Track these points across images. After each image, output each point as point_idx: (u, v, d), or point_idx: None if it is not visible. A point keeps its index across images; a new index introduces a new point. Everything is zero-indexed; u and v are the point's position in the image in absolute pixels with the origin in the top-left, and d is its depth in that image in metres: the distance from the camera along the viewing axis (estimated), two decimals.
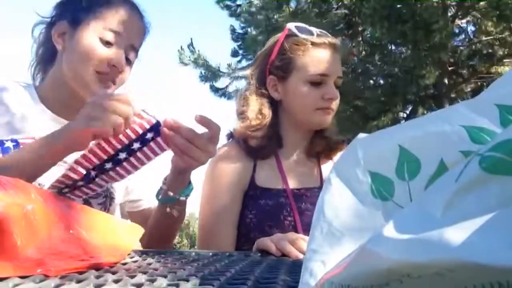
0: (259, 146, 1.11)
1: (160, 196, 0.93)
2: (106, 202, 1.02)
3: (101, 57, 0.94)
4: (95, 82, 0.95)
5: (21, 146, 0.83)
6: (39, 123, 0.96)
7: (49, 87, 1.01)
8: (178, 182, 0.91)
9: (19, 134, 0.92)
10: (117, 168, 0.82)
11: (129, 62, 1.00)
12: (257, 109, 1.13)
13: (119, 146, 0.78)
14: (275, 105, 1.16)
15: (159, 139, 0.82)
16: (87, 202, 0.97)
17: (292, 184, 1.12)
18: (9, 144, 0.85)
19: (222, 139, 1.22)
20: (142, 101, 0.80)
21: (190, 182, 0.93)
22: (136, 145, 0.80)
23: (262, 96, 1.15)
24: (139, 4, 1.03)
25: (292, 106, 1.14)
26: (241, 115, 1.15)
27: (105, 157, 0.79)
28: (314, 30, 1.14)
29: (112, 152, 0.78)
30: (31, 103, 0.99)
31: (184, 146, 0.81)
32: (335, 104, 1.12)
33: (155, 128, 0.80)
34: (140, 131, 0.79)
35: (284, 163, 1.15)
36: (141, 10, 1.03)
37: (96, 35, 0.94)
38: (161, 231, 0.99)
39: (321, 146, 1.17)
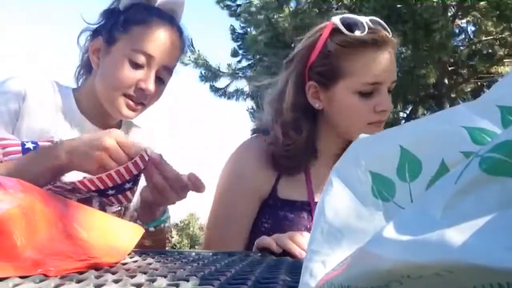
0: (292, 165, 0.98)
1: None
2: (121, 210, 1.02)
3: (129, 81, 0.93)
4: (122, 105, 0.95)
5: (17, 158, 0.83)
6: (50, 123, 0.97)
7: (84, 97, 1.02)
8: (148, 214, 0.90)
9: (22, 121, 0.93)
10: (102, 198, 0.84)
11: (161, 81, 0.99)
12: (294, 124, 0.96)
13: (110, 185, 0.79)
14: (312, 112, 0.99)
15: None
16: (102, 209, 0.97)
17: (318, 197, 1.00)
18: (29, 145, 0.85)
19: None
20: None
21: (164, 212, 0.92)
22: (128, 185, 0.81)
23: (300, 107, 0.97)
24: (178, 20, 1.01)
25: (337, 119, 0.97)
26: (274, 128, 0.99)
27: (93, 189, 0.80)
28: (364, 21, 0.93)
29: (102, 188, 0.80)
30: (58, 103, 0.99)
31: (160, 185, 0.81)
32: (387, 114, 0.96)
33: (144, 166, 0.81)
34: (136, 172, 0.79)
35: (312, 174, 1.02)
36: (180, 26, 1.01)
37: (126, 56, 0.93)
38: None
39: None
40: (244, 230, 1.00)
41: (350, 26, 0.93)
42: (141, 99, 0.96)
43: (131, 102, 0.95)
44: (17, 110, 0.93)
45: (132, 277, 0.46)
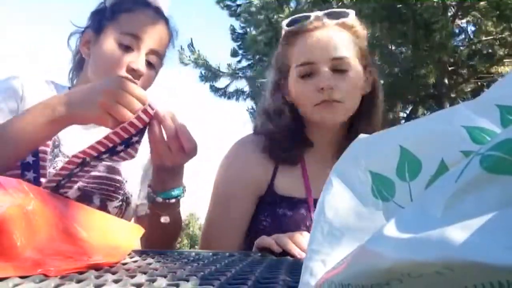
0: (287, 154, 1.01)
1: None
2: (122, 206, 1.02)
3: (120, 62, 0.94)
4: None
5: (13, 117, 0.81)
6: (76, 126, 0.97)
7: None
8: (157, 181, 0.87)
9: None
10: (113, 157, 0.80)
11: (151, 66, 0.99)
12: (275, 113, 1.03)
13: (118, 141, 0.76)
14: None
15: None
16: (103, 204, 0.98)
17: (316, 194, 0.98)
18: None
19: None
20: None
21: (176, 188, 0.88)
22: (134, 139, 0.78)
23: (278, 99, 1.04)
24: (164, 9, 1.03)
25: (297, 106, 1.01)
26: (265, 115, 1.06)
27: (103, 150, 0.76)
28: (311, 15, 0.99)
29: (110, 146, 0.76)
30: None
31: (157, 138, 0.78)
32: (338, 93, 0.94)
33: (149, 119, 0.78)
34: (141, 126, 0.76)
35: (309, 170, 1.02)
36: (165, 15, 1.02)
37: (115, 40, 0.95)
38: (154, 236, 0.93)
39: None
40: (241, 227, 1.01)
41: (291, 23, 1.02)
42: (134, 80, 0.95)
43: None
44: (15, 109, 0.93)
45: (132, 277, 0.46)
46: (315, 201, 0.97)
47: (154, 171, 0.88)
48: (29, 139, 0.76)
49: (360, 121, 1.01)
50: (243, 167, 1.02)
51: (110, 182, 1.00)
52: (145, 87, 0.99)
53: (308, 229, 0.93)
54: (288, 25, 1.01)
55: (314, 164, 1.02)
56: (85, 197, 0.95)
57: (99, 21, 0.98)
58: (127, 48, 0.95)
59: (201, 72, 9.47)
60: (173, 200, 0.88)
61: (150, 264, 0.58)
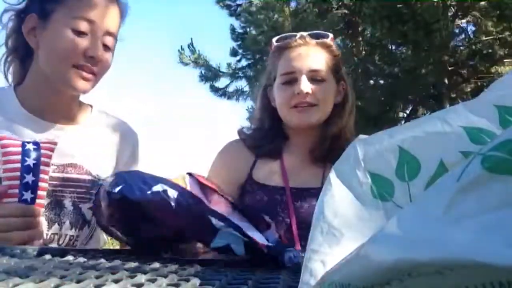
0: (268, 145, 1.18)
1: None
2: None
3: (76, 50, 0.89)
4: (75, 77, 0.91)
5: None
6: (25, 128, 0.94)
7: (30, 87, 0.97)
8: None
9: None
10: None
11: (107, 48, 0.95)
12: (260, 114, 1.23)
13: None
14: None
15: None
16: (76, 207, 0.95)
17: (292, 183, 1.13)
18: (30, 146, 0.83)
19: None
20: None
21: None
22: None
23: (264, 103, 1.23)
24: None
25: (279, 110, 1.18)
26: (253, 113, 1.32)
27: None
28: (298, 35, 1.17)
29: None
30: (16, 107, 0.96)
31: None
32: (312, 99, 1.10)
33: None
34: None
35: (287, 162, 1.17)
36: None
37: (68, 26, 0.89)
38: None
39: (325, 149, 1.14)
40: None
41: (279, 40, 1.19)
42: (92, 68, 0.93)
43: (83, 73, 0.92)
44: None
45: (132, 277, 0.46)
46: (291, 189, 1.12)
47: None
48: None
49: (331, 124, 1.16)
50: (229, 159, 1.21)
51: (80, 183, 0.97)
52: (103, 71, 0.97)
53: (282, 212, 1.09)
54: (277, 41, 1.19)
55: (291, 159, 1.18)
56: (56, 203, 0.93)
57: (42, 4, 0.92)
58: (81, 34, 0.90)
59: (201, 72, 9.47)
60: None
61: (150, 264, 0.58)
